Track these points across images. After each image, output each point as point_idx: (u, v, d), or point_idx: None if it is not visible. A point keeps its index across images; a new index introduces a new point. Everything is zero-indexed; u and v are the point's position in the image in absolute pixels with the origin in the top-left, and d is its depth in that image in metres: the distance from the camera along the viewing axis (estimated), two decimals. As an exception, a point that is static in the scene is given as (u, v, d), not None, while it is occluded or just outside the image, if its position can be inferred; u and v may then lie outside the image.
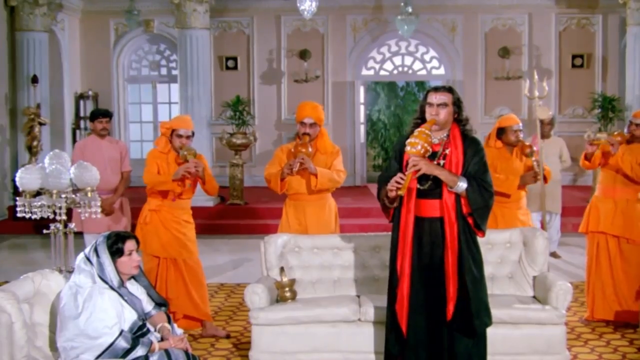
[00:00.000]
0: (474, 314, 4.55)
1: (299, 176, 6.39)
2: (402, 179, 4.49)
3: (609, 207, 6.71)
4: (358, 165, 15.37)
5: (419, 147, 4.47)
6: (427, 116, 4.65)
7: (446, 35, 15.17)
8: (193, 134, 6.56)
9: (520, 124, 6.86)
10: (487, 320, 4.68)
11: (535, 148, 6.89)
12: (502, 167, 6.76)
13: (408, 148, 4.51)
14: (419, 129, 4.56)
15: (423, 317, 4.60)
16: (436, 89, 4.72)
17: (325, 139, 6.59)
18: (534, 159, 6.73)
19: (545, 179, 7.05)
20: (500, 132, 6.82)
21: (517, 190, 6.72)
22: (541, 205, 7.92)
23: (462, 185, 4.54)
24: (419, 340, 4.61)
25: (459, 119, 4.72)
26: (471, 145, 4.67)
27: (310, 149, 6.36)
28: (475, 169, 4.62)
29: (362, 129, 15.73)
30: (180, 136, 6.43)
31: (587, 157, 6.74)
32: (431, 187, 4.59)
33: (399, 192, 4.49)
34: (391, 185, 4.53)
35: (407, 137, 4.64)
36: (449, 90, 4.72)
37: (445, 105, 4.64)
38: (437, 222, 4.61)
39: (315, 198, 6.47)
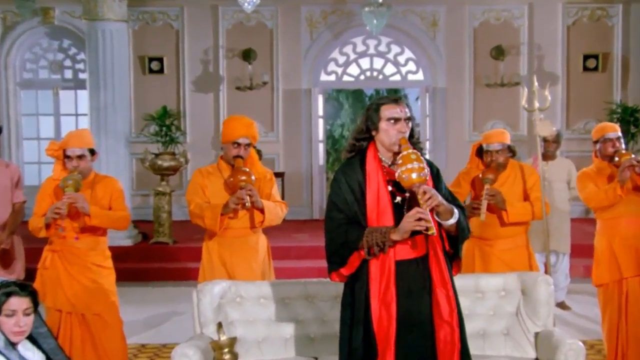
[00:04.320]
0: (465, 357, 4.59)
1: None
2: (423, 214, 4.38)
3: None
4: (316, 194, 15.40)
5: (423, 174, 4.45)
6: (392, 133, 4.63)
7: (425, 31, 15.36)
8: (93, 152, 6.47)
9: (499, 145, 6.81)
10: None
11: (490, 177, 6.86)
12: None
13: (414, 176, 4.42)
14: (411, 151, 4.52)
15: None
16: (395, 101, 4.73)
17: (257, 162, 6.62)
18: (486, 189, 6.66)
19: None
20: (481, 151, 6.92)
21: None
22: (545, 244, 7.95)
23: (456, 214, 4.54)
24: None
25: (412, 136, 4.75)
26: (432, 168, 4.72)
27: (253, 178, 6.33)
28: (447, 193, 4.70)
29: (320, 147, 15.84)
30: (69, 157, 6.32)
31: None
32: None
33: (430, 232, 4.39)
34: (416, 225, 4.39)
35: (355, 165, 4.67)
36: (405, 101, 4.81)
37: (409, 119, 4.69)
38: (414, 264, 4.59)
39: (245, 234, 6.48)
